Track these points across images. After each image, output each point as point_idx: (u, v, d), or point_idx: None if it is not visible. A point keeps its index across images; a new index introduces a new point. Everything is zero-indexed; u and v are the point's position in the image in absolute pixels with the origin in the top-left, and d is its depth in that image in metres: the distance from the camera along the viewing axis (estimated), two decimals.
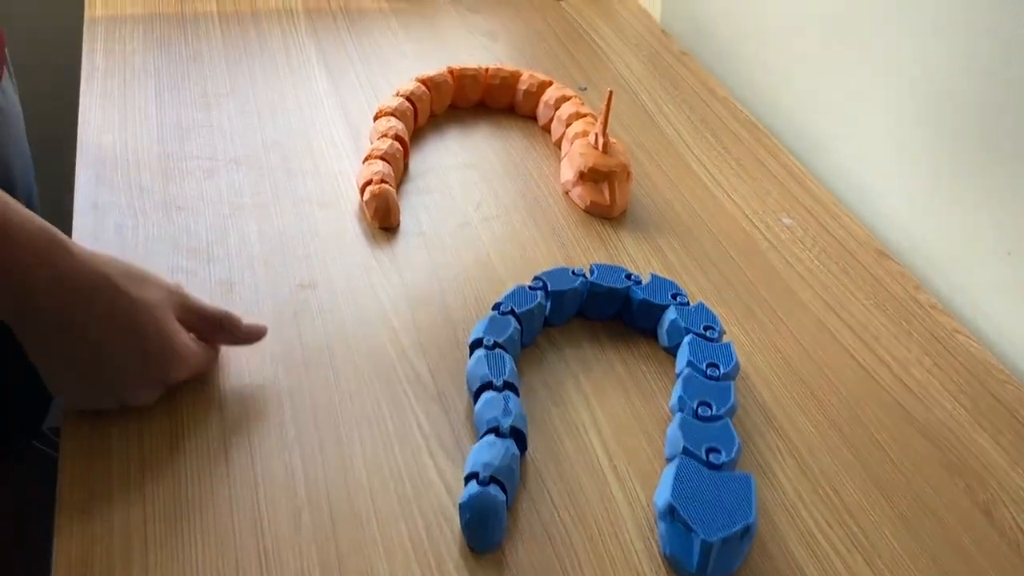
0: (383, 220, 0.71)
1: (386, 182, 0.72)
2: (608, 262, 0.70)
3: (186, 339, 0.55)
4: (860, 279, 0.73)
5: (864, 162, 0.83)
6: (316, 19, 0.99)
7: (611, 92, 0.72)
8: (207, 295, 0.63)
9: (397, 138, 0.77)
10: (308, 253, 0.68)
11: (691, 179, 0.82)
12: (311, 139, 0.81)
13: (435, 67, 0.90)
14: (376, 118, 0.80)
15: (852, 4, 0.82)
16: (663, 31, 1.06)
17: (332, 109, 0.85)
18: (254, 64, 0.90)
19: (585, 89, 0.92)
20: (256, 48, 0.93)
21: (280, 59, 0.92)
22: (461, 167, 0.80)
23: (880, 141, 0.81)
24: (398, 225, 0.72)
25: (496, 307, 0.61)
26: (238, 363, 0.59)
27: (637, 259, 0.72)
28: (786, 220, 0.78)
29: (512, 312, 0.61)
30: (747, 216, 0.78)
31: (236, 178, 0.75)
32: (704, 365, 0.59)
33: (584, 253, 0.71)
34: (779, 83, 0.94)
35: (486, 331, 0.59)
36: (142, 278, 0.53)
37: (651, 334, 0.65)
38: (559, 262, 0.70)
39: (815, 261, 0.74)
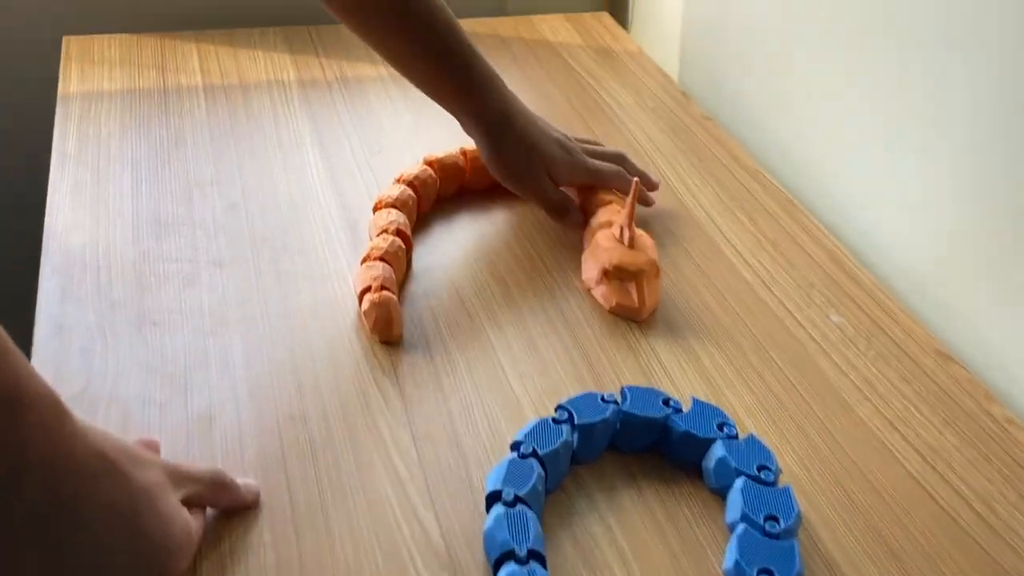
0: (384, 333, 0.63)
1: (387, 288, 0.64)
2: (638, 373, 0.62)
3: (186, 521, 0.47)
4: (923, 389, 0.64)
5: (918, 248, 0.75)
6: (310, 90, 0.92)
7: (637, 182, 0.64)
8: (183, 433, 0.56)
9: (398, 233, 0.69)
10: (299, 377, 0.60)
11: (725, 268, 0.74)
12: (304, 234, 0.73)
13: (439, 141, 0.82)
14: (375, 209, 0.73)
15: (901, 63, 0.75)
16: (683, 93, 0.98)
17: (328, 198, 0.77)
18: (242, 145, 0.82)
19: None
20: (244, 126, 0.85)
21: (271, 138, 0.84)
22: (471, 261, 0.72)
23: (935, 223, 0.73)
24: (400, 337, 0.64)
25: (515, 447, 0.53)
26: (215, 526, 0.51)
27: (672, 370, 0.63)
28: (835, 318, 0.70)
29: (534, 454, 0.53)
30: (791, 313, 0.70)
31: (220, 284, 0.67)
32: (762, 518, 0.50)
33: (611, 365, 0.63)
34: (816, 153, 0.86)
35: (505, 480, 0.51)
36: (138, 458, 0.45)
37: (693, 469, 0.56)
38: (583, 377, 0.62)
39: (871, 368, 0.66)
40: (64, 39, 0.96)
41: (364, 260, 0.67)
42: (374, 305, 0.63)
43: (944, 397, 0.64)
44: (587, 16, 1.12)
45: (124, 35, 0.98)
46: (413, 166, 0.76)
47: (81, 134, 0.83)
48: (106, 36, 0.97)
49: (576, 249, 0.74)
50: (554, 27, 1.09)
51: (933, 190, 0.73)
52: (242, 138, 0.84)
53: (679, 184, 0.83)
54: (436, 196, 0.77)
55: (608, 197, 0.74)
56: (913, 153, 0.75)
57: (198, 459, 0.54)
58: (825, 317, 0.70)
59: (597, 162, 0.76)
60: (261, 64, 0.95)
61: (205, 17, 1.03)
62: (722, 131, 0.92)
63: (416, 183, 0.74)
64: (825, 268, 0.75)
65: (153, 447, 0.52)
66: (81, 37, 0.97)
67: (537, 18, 1.11)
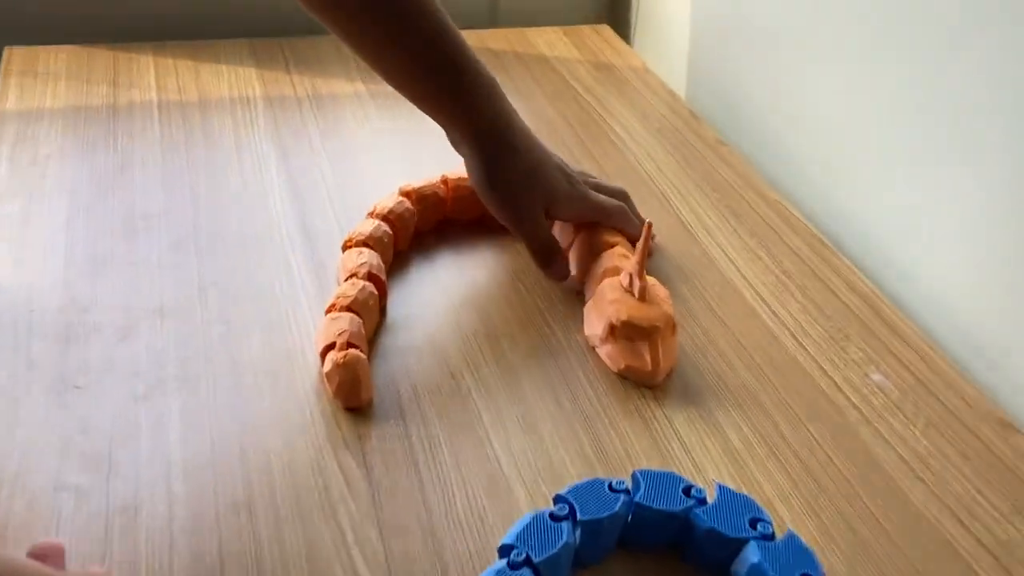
0: (348, 399, 0.53)
1: (354, 344, 0.54)
2: (653, 451, 0.53)
3: None
4: (985, 466, 0.55)
5: (966, 291, 0.66)
6: (277, 107, 0.82)
7: (649, 224, 0.55)
8: (100, 528, 0.46)
9: (370, 277, 0.59)
10: (246, 454, 0.50)
11: (748, 318, 0.64)
12: (261, 277, 0.63)
13: (422, 168, 0.73)
14: (345, 248, 0.63)
15: (933, 75, 0.66)
16: (691, 113, 0.89)
17: (292, 233, 0.67)
18: (197, 170, 0.73)
19: None
20: (201, 147, 0.76)
21: (230, 162, 0.74)
22: (455, 308, 0.62)
23: (985, 261, 0.64)
24: (369, 403, 0.54)
25: (505, 551, 0.44)
26: None
27: (692, 446, 0.54)
28: (876, 377, 0.61)
29: (528, 562, 0.43)
30: (824, 371, 0.61)
31: (159, 339, 0.57)
32: None
33: (621, 440, 0.54)
34: (843, 181, 0.77)
35: None
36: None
37: (720, 573, 0.47)
38: (587, 455, 0.52)
39: (922, 441, 0.56)
40: (5, 50, 0.87)
41: (329, 310, 0.57)
42: (338, 366, 0.53)
43: (1011, 477, 0.54)
44: (586, 28, 1.03)
45: (74, 46, 0.88)
46: (388, 198, 0.67)
47: (15, 157, 0.73)
48: (53, 47, 0.88)
49: (577, 297, 0.64)
50: (550, 40, 1.00)
51: (982, 221, 0.64)
52: (198, 162, 0.74)
53: (691, 217, 0.74)
54: (414, 231, 0.67)
55: (613, 239, 0.64)
56: (956, 176, 0.65)
57: (117, 561, 0.45)
58: (864, 376, 0.60)
59: (601, 197, 0.66)
60: (224, 79, 0.86)
61: (166, 27, 0.93)
62: (737, 156, 0.83)
63: (391, 217, 0.65)
64: (861, 316, 0.65)
65: (55, 554, 0.42)
66: (25, 48, 0.88)
67: (532, 30, 1.02)
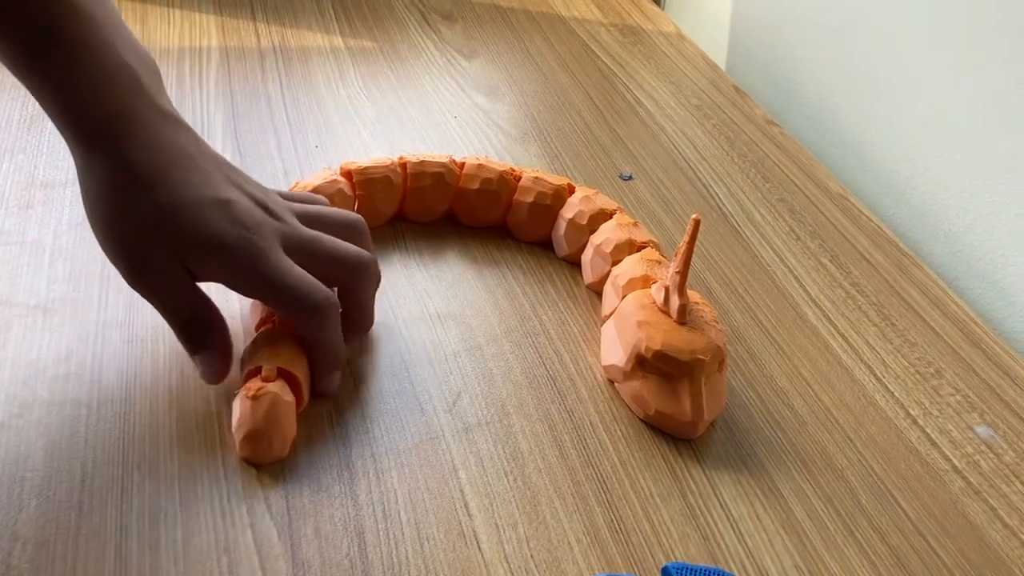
0: (254, 451, 0.38)
1: (289, 375, 0.40)
2: (691, 528, 0.38)
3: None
4: None
5: None
6: (234, 60, 0.67)
7: (696, 220, 0.40)
8: None
9: None
10: (125, 519, 0.36)
11: (812, 344, 0.50)
12: None
13: (410, 140, 0.59)
14: None
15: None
16: (736, 88, 0.74)
17: None
18: None
19: (631, 178, 0.61)
20: None
21: None
22: (426, 322, 0.48)
23: None
24: (283, 455, 0.39)
25: None
26: None
27: (743, 524, 0.40)
28: (980, 430, 0.46)
29: None
30: (915, 421, 0.46)
31: (37, 342, 0.42)
32: None
33: (645, 510, 0.39)
34: (925, 173, 0.62)
35: None
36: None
37: None
38: (599, 533, 0.38)
39: None
40: None
41: (258, 324, 0.43)
42: (250, 405, 0.38)
43: None
44: None
45: None
46: (318, 174, 0.51)
47: None
48: None
49: (589, 315, 0.50)
50: None
51: None
52: None
53: (739, 213, 0.59)
54: None
55: (641, 237, 0.49)
56: None
57: None
58: (966, 428, 0.46)
59: (328, 239, 0.43)
60: (176, 25, 0.71)
61: None
62: (791, 140, 0.68)
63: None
64: (956, 348, 0.51)
65: None
66: None
67: None
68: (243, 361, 0.41)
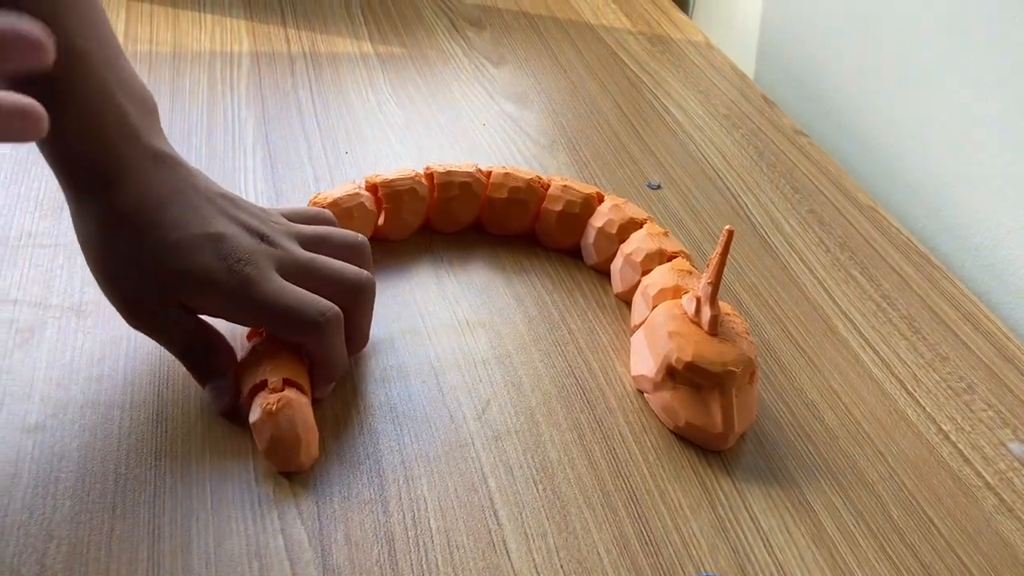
0: (284, 460, 0.39)
1: (294, 384, 0.40)
2: (720, 540, 0.38)
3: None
4: None
5: None
6: (265, 65, 0.68)
7: (730, 231, 0.40)
8: None
9: None
10: (158, 520, 0.37)
11: (842, 356, 0.49)
12: None
13: (439, 149, 0.59)
14: None
15: None
16: (764, 98, 0.74)
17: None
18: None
19: (659, 187, 0.61)
20: (166, 109, 0.61)
21: (198, 129, 0.60)
22: (455, 330, 0.48)
23: None
24: (312, 463, 0.39)
25: None
26: None
27: (772, 534, 0.39)
28: (1015, 446, 0.46)
29: None
30: (947, 436, 0.46)
31: (70, 344, 0.43)
32: None
33: (675, 522, 0.39)
34: (955, 185, 0.62)
35: None
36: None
37: None
38: (629, 543, 0.37)
39: None
40: None
41: (252, 336, 0.43)
42: (270, 416, 0.38)
43: None
44: None
45: None
46: (341, 187, 0.51)
47: None
48: None
49: (618, 324, 0.50)
50: (596, 6, 0.86)
51: None
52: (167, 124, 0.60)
53: (768, 224, 0.59)
54: (373, 236, 0.51)
55: (671, 247, 0.48)
56: None
57: None
58: (999, 445, 0.46)
59: (325, 261, 0.42)
60: (207, 30, 0.72)
61: None
62: (820, 150, 0.68)
63: (335, 212, 0.48)
64: (989, 363, 0.50)
65: None
66: None
67: None
68: (240, 375, 0.41)
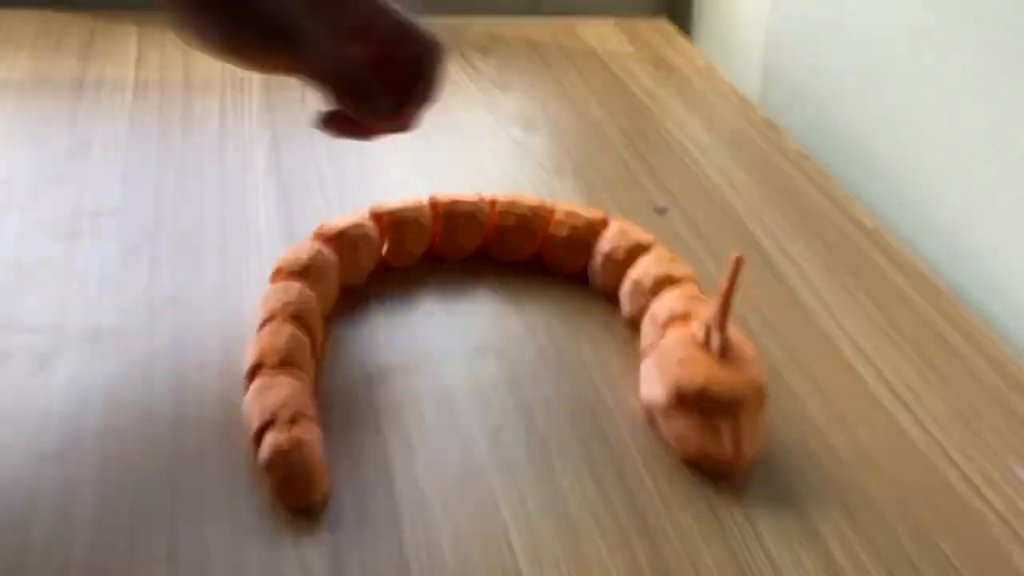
0: (296, 498, 0.39)
1: (303, 415, 0.40)
2: (730, 564, 0.38)
3: None
4: None
5: None
6: (275, 91, 0.68)
7: (740, 260, 0.41)
8: None
9: (295, 319, 0.44)
10: (174, 549, 0.36)
11: (851, 383, 0.49)
12: (229, 298, 0.49)
13: (442, 177, 0.60)
14: (273, 279, 0.47)
15: None
16: (767, 122, 0.75)
17: (273, 242, 0.53)
18: (167, 163, 0.59)
19: (665, 211, 0.62)
20: (177, 135, 0.62)
21: (209, 154, 0.60)
22: (466, 356, 0.49)
23: None
24: (325, 500, 0.39)
25: None
26: None
27: (783, 562, 0.39)
28: (1020, 470, 0.46)
29: None
30: (953, 462, 0.46)
31: (86, 372, 0.43)
32: None
33: (687, 549, 0.39)
34: (958, 209, 0.62)
35: None
36: None
37: None
38: (641, 571, 0.38)
39: None
40: None
41: (253, 373, 0.42)
42: (278, 456, 0.38)
43: None
44: (641, 21, 0.89)
45: (47, 11, 0.76)
46: (347, 216, 0.51)
47: None
48: (22, 11, 0.75)
49: (627, 347, 0.50)
50: (601, 33, 0.87)
51: None
52: (170, 151, 0.61)
53: (775, 248, 0.59)
54: (380, 264, 0.51)
55: (680, 272, 0.49)
56: None
57: None
58: (1006, 469, 0.46)
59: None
60: None
61: None
62: (825, 175, 0.68)
63: (341, 241, 0.49)
64: (993, 388, 0.51)
65: None
66: None
67: (580, 21, 0.88)
68: (248, 417, 0.41)
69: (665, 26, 0.90)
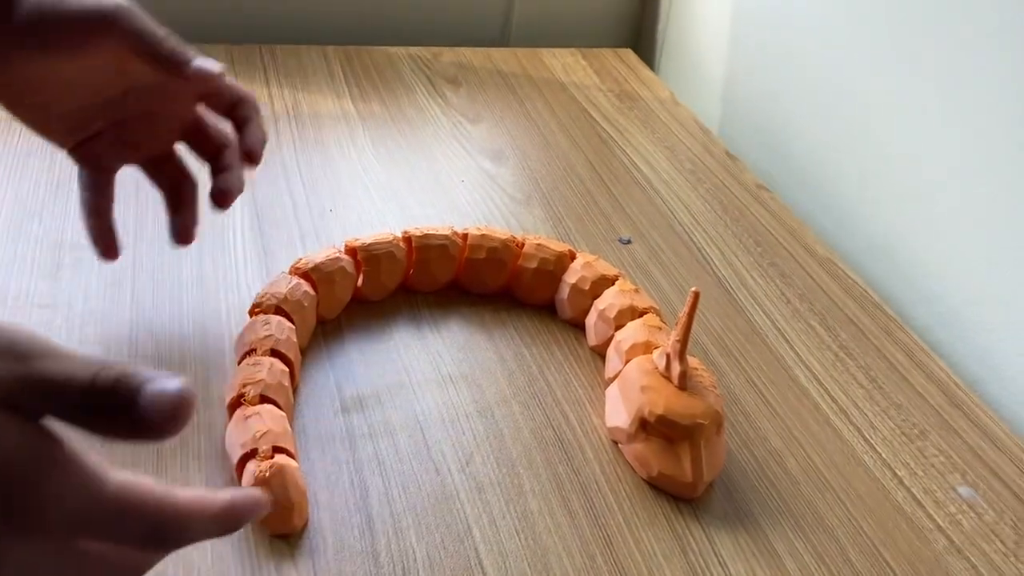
0: (277, 524, 0.40)
1: (283, 444, 0.41)
2: None
3: None
4: None
5: None
6: None
7: (696, 293, 0.43)
8: None
9: (274, 352, 0.46)
10: None
11: (803, 405, 0.52)
12: (211, 334, 0.50)
13: (416, 210, 0.62)
14: (252, 313, 0.49)
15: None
16: (727, 153, 0.78)
17: (251, 272, 0.55)
18: (145, 197, 0.60)
19: (629, 242, 0.64)
20: None
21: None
22: (438, 383, 0.51)
23: None
24: (305, 526, 0.41)
25: None
26: None
27: None
28: (963, 490, 0.49)
29: None
30: (899, 480, 0.49)
31: None
32: None
33: (648, 566, 0.41)
34: (908, 238, 0.66)
35: None
36: None
37: None
38: None
39: None
40: None
41: (234, 404, 0.44)
42: (263, 483, 0.39)
43: None
44: (607, 52, 0.92)
45: None
46: (322, 252, 0.53)
47: None
48: None
49: (592, 375, 0.52)
50: (567, 63, 0.89)
51: None
52: (146, 184, 0.62)
53: (732, 277, 0.62)
54: (353, 297, 0.53)
55: (642, 304, 0.52)
56: None
57: None
58: (950, 489, 0.49)
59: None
60: None
61: None
62: (781, 205, 0.71)
63: (316, 276, 0.51)
64: (939, 409, 0.54)
65: None
66: None
67: (547, 52, 0.91)
68: (230, 448, 0.42)
69: (631, 57, 0.93)
